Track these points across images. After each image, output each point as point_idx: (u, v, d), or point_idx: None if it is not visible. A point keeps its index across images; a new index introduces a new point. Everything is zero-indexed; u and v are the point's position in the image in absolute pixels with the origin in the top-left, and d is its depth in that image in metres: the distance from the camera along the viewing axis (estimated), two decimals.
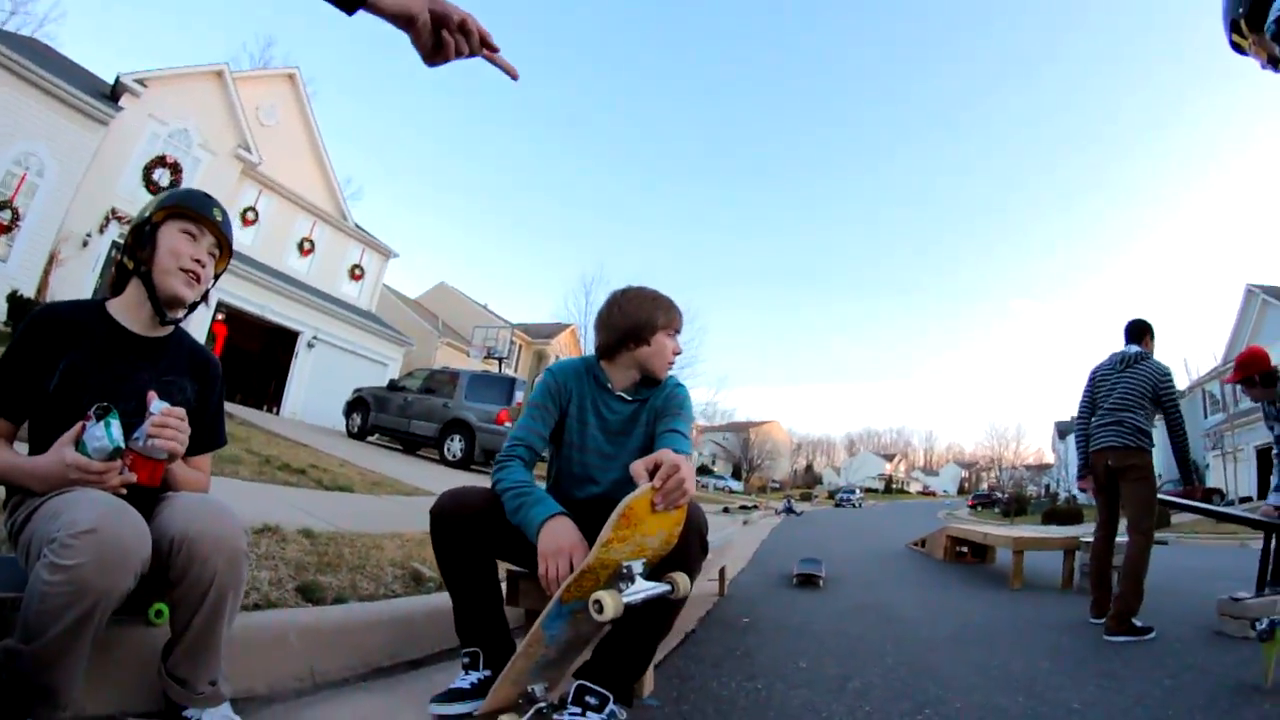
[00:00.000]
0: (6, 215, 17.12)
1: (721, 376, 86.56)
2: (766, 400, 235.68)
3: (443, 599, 3.04)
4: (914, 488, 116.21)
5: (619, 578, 1.99)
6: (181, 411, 1.82)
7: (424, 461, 15.41)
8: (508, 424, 14.92)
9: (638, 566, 2.01)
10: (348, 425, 19.01)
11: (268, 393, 26.28)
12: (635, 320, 2.65)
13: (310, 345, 24.58)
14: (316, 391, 23.83)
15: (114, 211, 19.90)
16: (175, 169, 21.19)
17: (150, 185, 20.61)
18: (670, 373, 2.76)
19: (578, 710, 2.14)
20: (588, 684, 2.18)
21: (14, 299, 15.09)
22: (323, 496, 6.04)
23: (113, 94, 20.27)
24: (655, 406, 2.70)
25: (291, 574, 3.01)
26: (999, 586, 7.29)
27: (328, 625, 2.65)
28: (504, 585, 2.64)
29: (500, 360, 28.39)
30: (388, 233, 68.41)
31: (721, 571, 5.51)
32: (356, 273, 28.35)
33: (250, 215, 24.22)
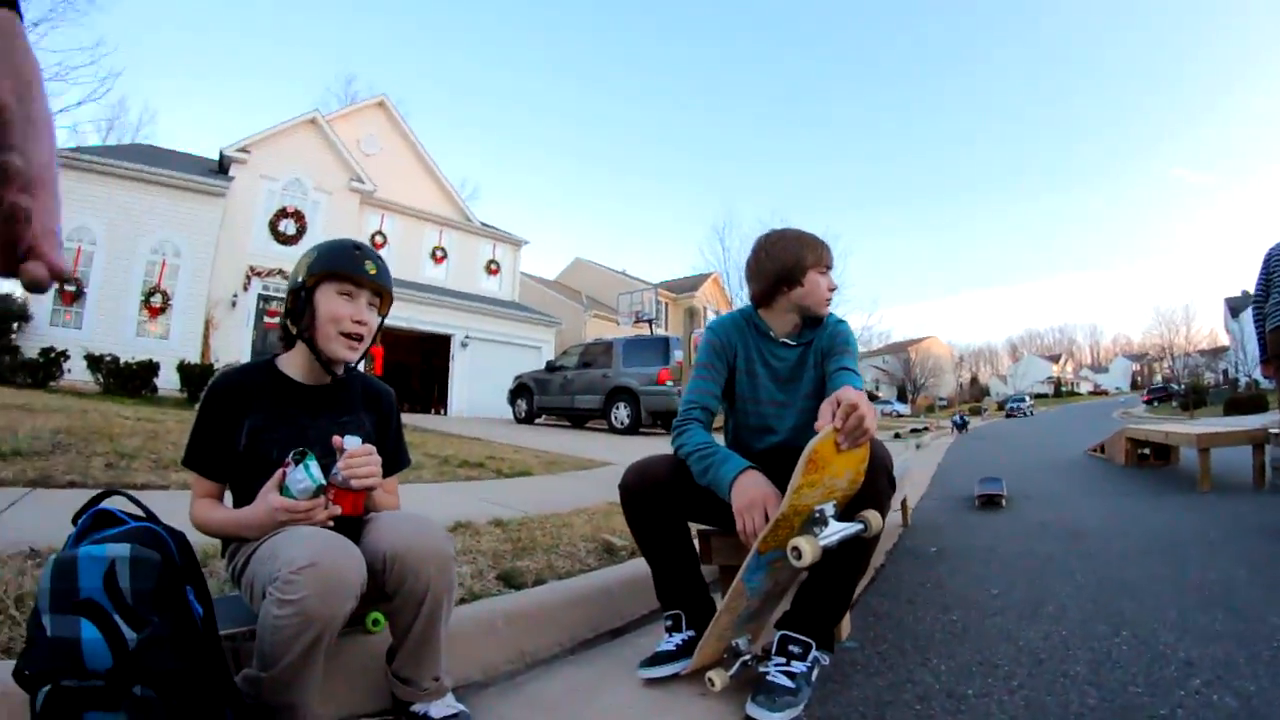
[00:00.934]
0: (158, 299, 19.83)
1: (873, 298, 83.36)
2: (922, 316, 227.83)
3: (637, 566, 3.29)
4: (1084, 388, 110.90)
5: (812, 522, 2.00)
6: (370, 447, 1.94)
7: (593, 433, 15.66)
8: (669, 382, 15.01)
9: (829, 509, 2.02)
10: (514, 412, 19.57)
11: (433, 397, 27.44)
12: (784, 263, 2.63)
13: (464, 344, 25.37)
14: (478, 386, 24.68)
15: (252, 269, 21.88)
16: (298, 216, 22.79)
17: (279, 237, 22.48)
18: (828, 309, 2.72)
19: (782, 660, 2.18)
20: (790, 633, 2.22)
21: (183, 367, 16.56)
22: (505, 485, 6.30)
23: (221, 167, 22.65)
24: (820, 348, 2.67)
25: (490, 564, 3.20)
26: (1187, 490, 6.88)
27: (531, 607, 2.79)
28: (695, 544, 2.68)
29: (650, 322, 28.46)
30: (514, 223, 69.88)
31: (904, 501, 5.43)
32: (493, 268, 28.99)
33: (379, 239, 25.24)
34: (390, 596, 1.87)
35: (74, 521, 1.61)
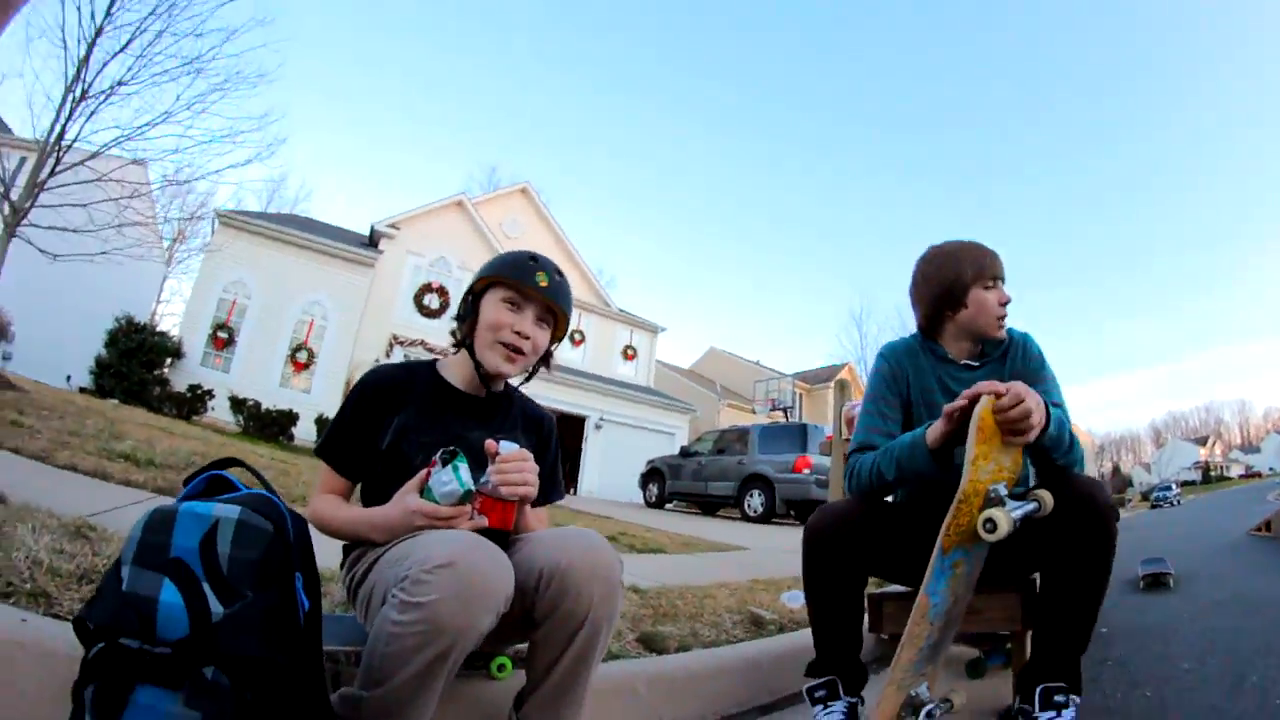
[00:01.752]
0: (304, 355, 21.28)
1: None
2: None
3: (789, 641, 3.11)
4: (1235, 471, 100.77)
5: (990, 504, 1.86)
6: (527, 453, 1.73)
7: (725, 521, 15.36)
8: (806, 471, 14.69)
9: (1002, 489, 1.89)
10: (645, 495, 19.57)
11: (564, 475, 27.31)
12: (942, 283, 2.37)
13: (598, 426, 25.54)
14: (610, 469, 24.73)
15: (395, 337, 22.87)
16: (442, 291, 23.92)
17: (423, 310, 23.68)
18: (1008, 326, 2.40)
19: (1052, 714, 1.96)
20: (1050, 684, 2.00)
21: (320, 421, 17.78)
22: (638, 559, 5.99)
23: (371, 241, 24.22)
24: (1015, 371, 2.36)
25: (629, 626, 2.96)
26: None
27: (674, 674, 2.56)
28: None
29: (786, 410, 28.11)
30: (650, 310, 71.06)
31: None
32: (629, 353, 29.33)
33: None
34: (537, 623, 1.59)
35: (185, 483, 1.40)
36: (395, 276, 23.41)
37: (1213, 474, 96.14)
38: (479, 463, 1.72)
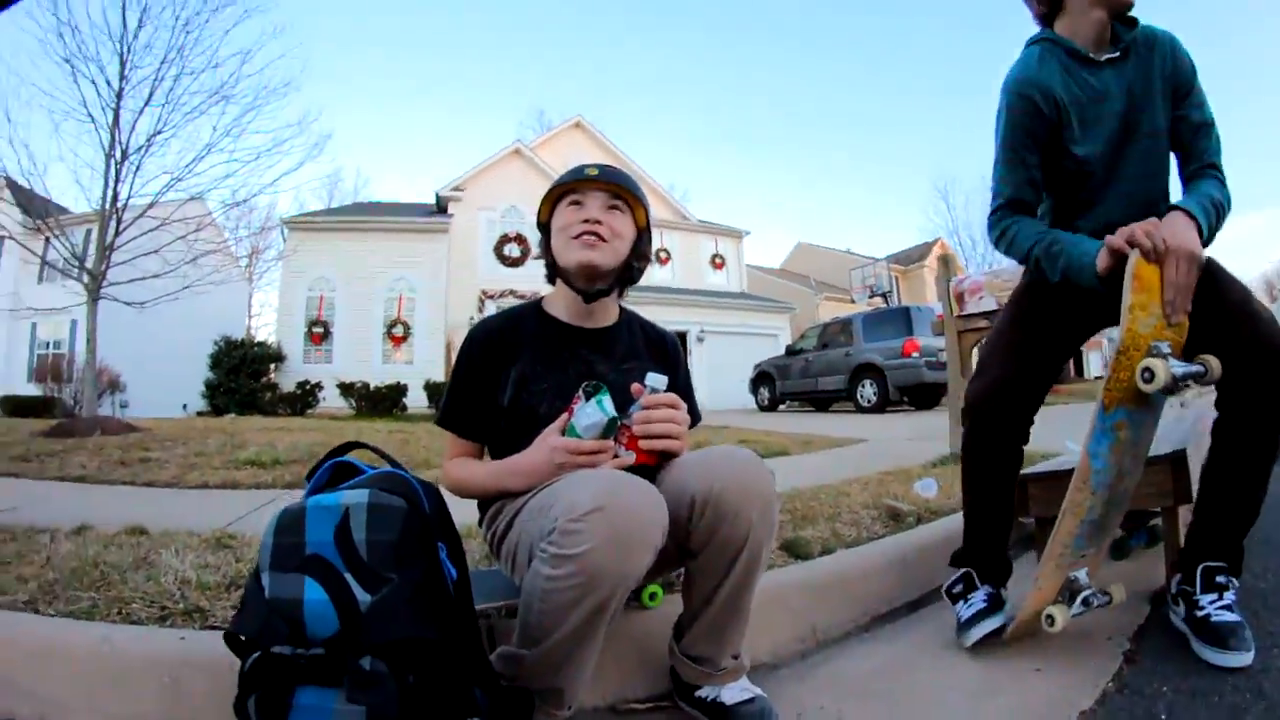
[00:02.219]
0: (399, 329, 22.02)
1: None
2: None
3: (930, 532, 3.02)
4: None
5: (1152, 356, 1.72)
6: (673, 396, 1.68)
7: (839, 415, 15.16)
8: (915, 355, 14.36)
9: (1164, 347, 1.73)
10: (756, 400, 19.49)
11: None
12: None
13: (700, 339, 25.42)
14: (718, 379, 24.45)
15: (484, 292, 23.24)
16: (520, 239, 24.14)
17: (505, 260, 24.05)
18: (1150, 23, 2.02)
19: (1214, 596, 1.86)
20: (1211, 563, 1.90)
21: (429, 386, 18.50)
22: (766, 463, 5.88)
23: (440, 208, 24.71)
24: (1162, 71, 1.97)
25: None
26: None
27: (822, 578, 2.48)
28: None
29: (885, 295, 27.56)
30: (731, 216, 70.02)
31: None
32: (718, 261, 29.02)
33: None
34: (693, 552, 1.54)
35: (308, 478, 1.40)
36: (471, 235, 23.71)
37: None
38: (617, 401, 1.64)
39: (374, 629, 1.12)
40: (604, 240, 1.76)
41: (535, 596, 1.32)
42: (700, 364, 25.21)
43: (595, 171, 1.79)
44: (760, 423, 12.19)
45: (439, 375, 20.28)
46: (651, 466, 1.62)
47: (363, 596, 1.14)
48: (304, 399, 18.05)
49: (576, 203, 1.79)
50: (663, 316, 24.83)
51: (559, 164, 26.16)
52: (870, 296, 28.12)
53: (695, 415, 1.91)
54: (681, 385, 1.93)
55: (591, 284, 1.80)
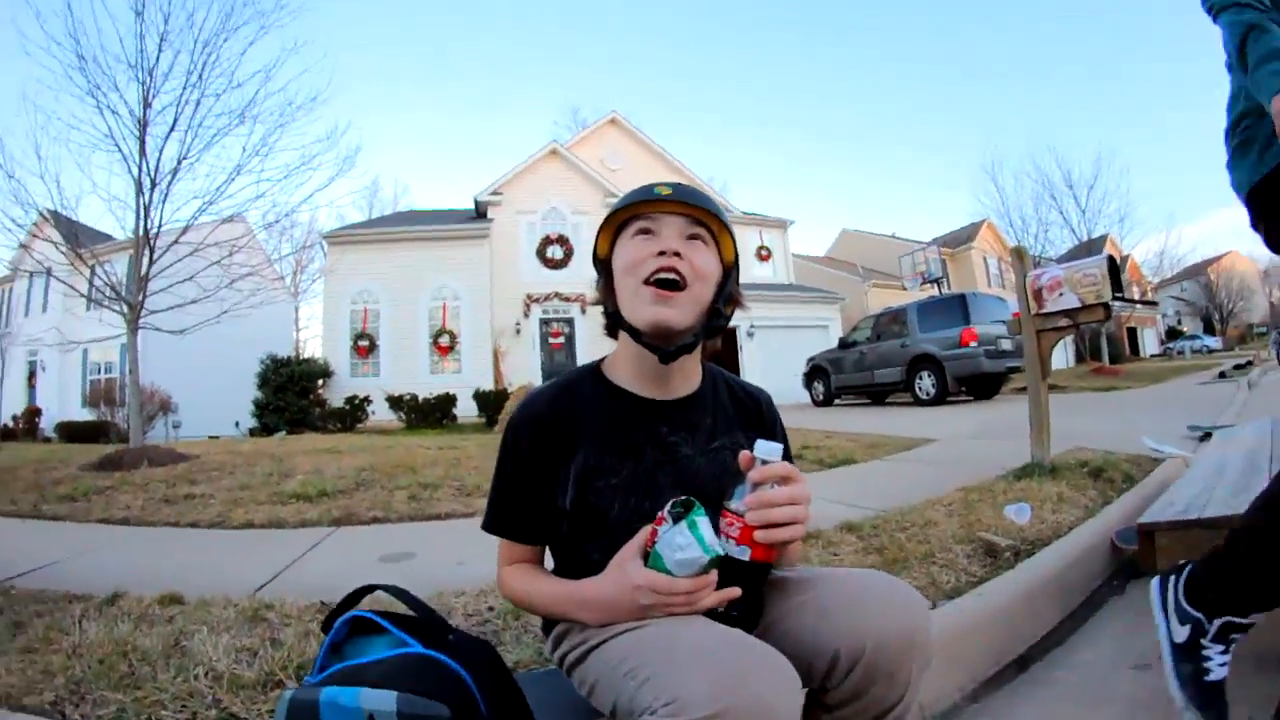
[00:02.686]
0: (445, 338, 22.04)
1: (1168, 214, 69.82)
2: (1216, 228, 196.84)
3: (1031, 572, 2.74)
4: None
5: None
6: (795, 472, 1.22)
7: (898, 409, 14.91)
8: (973, 344, 14.04)
9: None
10: (811, 395, 19.24)
11: None
12: None
13: (750, 335, 25.30)
14: (770, 374, 24.20)
15: (529, 296, 23.53)
16: (562, 241, 24.18)
17: (548, 263, 24.03)
18: None
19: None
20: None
21: (478, 395, 18.35)
22: (832, 477, 5.74)
23: (479, 213, 24.81)
24: None
25: None
26: None
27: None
28: None
29: (938, 281, 27.08)
30: (774, 206, 69.74)
31: None
32: (763, 253, 28.78)
33: None
34: (828, 706, 1.23)
35: (324, 629, 1.18)
36: (512, 239, 23.79)
37: None
38: (703, 493, 1.27)
39: None
40: (683, 283, 1.35)
41: None
42: (752, 359, 25.21)
43: (668, 190, 1.37)
44: (818, 420, 11.92)
45: (488, 383, 20.40)
46: (766, 565, 1.22)
47: None
48: (353, 413, 18.22)
49: (646, 230, 1.38)
50: None
51: (597, 161, 26.35)
52: (922, 283, 27.64)
53: None
54: (783, 449, 1.47)
55: (669, 342, 1.38)
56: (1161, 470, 4.64)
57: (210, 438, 14.09)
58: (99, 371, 23.61)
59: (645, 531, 1.22)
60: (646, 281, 1.34)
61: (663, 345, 1.37)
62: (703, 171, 36.23)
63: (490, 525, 1.45)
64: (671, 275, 1.33)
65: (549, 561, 1.48)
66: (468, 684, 1.04)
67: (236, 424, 20.74)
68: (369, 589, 1.22)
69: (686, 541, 1.14)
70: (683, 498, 1.19)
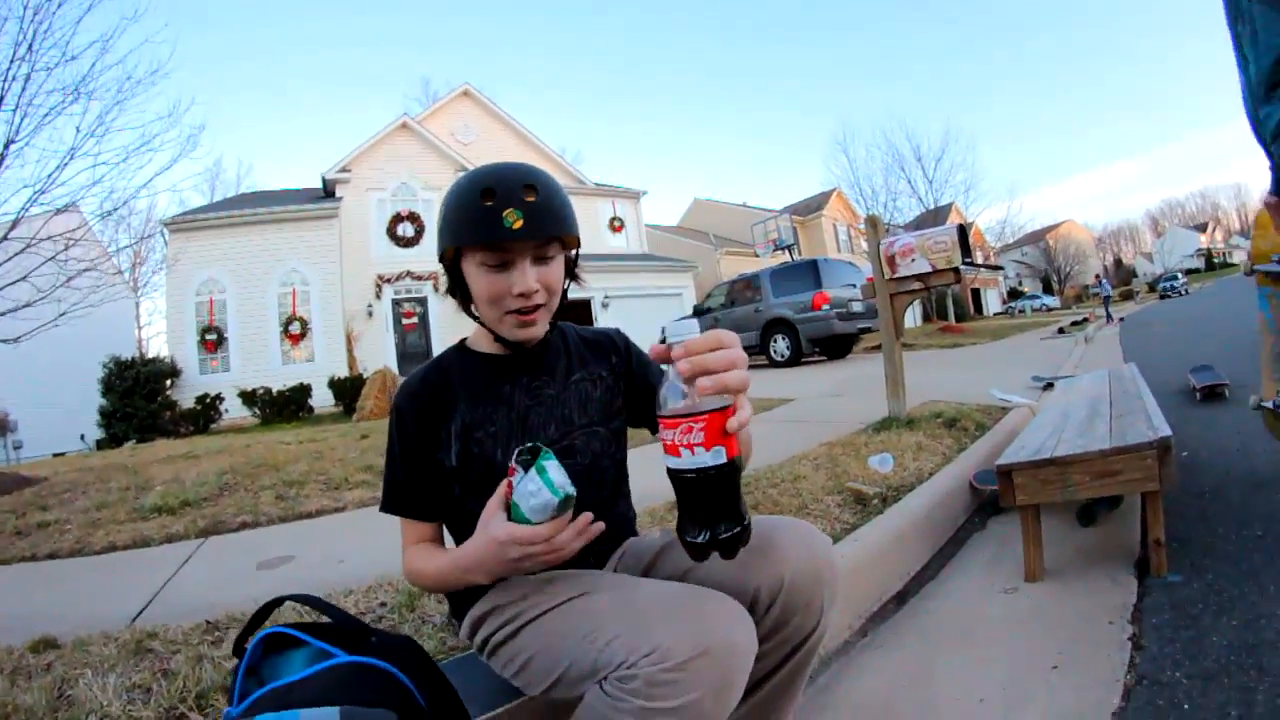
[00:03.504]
0: (296, 326, 21.10)
1: (1010, 185, 74.07)
2: (1054, 201, 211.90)
3: (900, 516, 3.01)
4: (1237, 257, 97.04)
5: None
6: (717, 335, 1.05)
7: (754, 371, 14.63)
8: (825, 307, 14.52)
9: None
10: None
11: None
12: None
13: (604, 305, 25.36)
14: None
15: (380, 277, 22.91)
16: (414, 218, 23.49)
17: (399, 241, 23.38)
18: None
19: None
20: None
21: (334, 383, 17.74)
22: None
23: (327, 192, 23.75)
24: None
25: None
26: None
27: None
28: None
29: (790, 248, 27.81)
30: (626, 177, 70.15)
31: None
32: (616, 224, 28.92)
33: None
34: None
35: (236, 650, 1.13)
36: (362, 218, 22.99)
37: (1215, 260, 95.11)
38: (572, 420, 1.49)
39: None
40: (542, 308, 1.42)
41: None
42: None
43: (519, 224, 1.31)
44: None
45: (343, 370, 19.81)
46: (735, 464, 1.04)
47: None
48: (205, 413, 17.31)
49: (493, 266, 1.37)
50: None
51: (449, 134, 25.80)
52: (774, 250, 28.31)
53: None
54: (645, 363, 1.67)
55: (529, 345, 1.51)
56: (1010, 418, 4.98)
57: (55, 455, 13.06)
58: None
59: (503, 485, 1.23)
60: (509, 313, 1.40)
61: (526, 346, 1.50)
62: (555, 142, 36.04)
63: (387, 505, 1.51)
64: (531, 308, 1.40)
65: (450, 542, 1.52)
66: (404, 684, 1.03)
67: (82, 437, 19.30)
68: (276, 602, 1.17)
69: (536, 487, 1.14)
70: (528, 445, 1.20)
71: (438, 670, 1.08)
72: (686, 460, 0.98)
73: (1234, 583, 2.28)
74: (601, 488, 1.54)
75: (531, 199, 1.32)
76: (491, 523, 1.22)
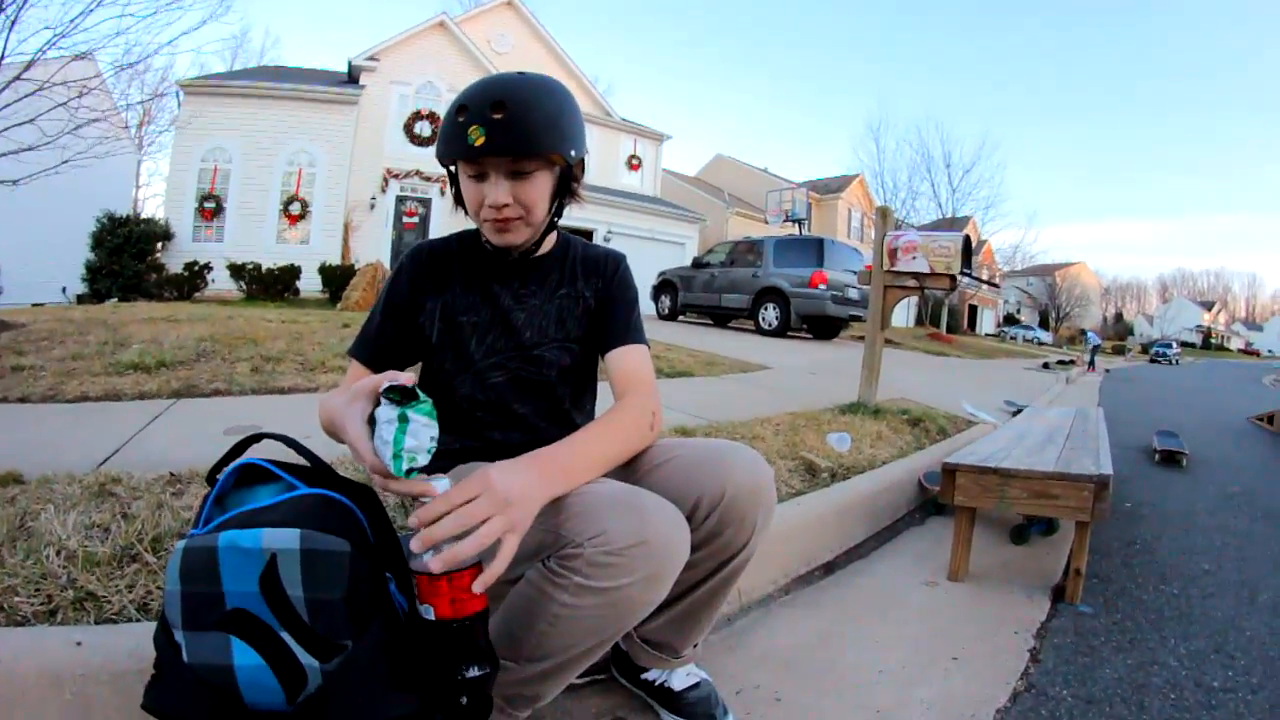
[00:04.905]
0: (297, 207, 20.95)
1: (1030, 213, 72.75)
2: (1072, 239, 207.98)
3: (843, 491, 3.15)
4: (1235, 344, 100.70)
5: None
6: (450, 492, 1.06)
7: (739, 334, 15.31)
8: (821, 287, 14.58)
9: None
10: (657, 308, 19.41)
11: None
12: None
13: (606, 239, 24.96)
14: None
15: (389, 171, 22.44)
16: (433, 118, 22.91)
17: (415, 139, 22.80)
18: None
19: None
20: None
21: (324, 270, 17.72)
22: (667, 384, 5.95)
23: (351, 77, 23.26)
24: None
25: None
26: None
27: None
28: None
29: (800, 222, 27.72)
30: (654, 118, 69.20)
31: None
32: (634, 163, 28.61)
33: None
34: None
35: (209, 479, 1.16)
36: (381, 110, 22.56)
37: (1213, 341, 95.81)
38: (544, 329, 1.60)
39: (342, 709, 0.95)
40: (516, 220, 1.48)
41: (540, 618, 1.20)
42: None
43: (480, 140, 1.36)
44: (661, 333, 11.94)
45: (335, 258, 19.69)
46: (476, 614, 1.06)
47: (308, 661, 0.95)
48: (191, 281, 17.19)
49: (475, 176, 1.46)
50: (570, 211, 24.50)
51: (484, 41, 25.34)
52: (785, 221, 28.22)
53: (636, 336, 1.67)
54: (626, 304, 1.71)
55: (513, 253, 1.58)
56: (972, 432, 5.12)
57: (34, 305, 12.95)
58: None
59: (380, 379, 1.09)
60: (486, 221, 1.49)
61: (509, 254, 1.58)
62: (590, 70, 35.51)
63: (353, 348, 1.62)
64: (503, 219, 1.46)
65: None
66: (361, 521, 1.08)
67: (64, 290, 19.05)
68: (255, 438, 1.20)
69: (389, 435, 1.03)
70: (394, 385, 1.05)
71: (388, 520, 1.12)
72: (426, 611, 1.01)
73: (1139, 627, 2.42)
74: (563, 401, 1.66)
75: (498, 115, 1.35)
76: (351, 409, 1.10)
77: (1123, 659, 2.18)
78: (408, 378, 1.08)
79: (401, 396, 1.04)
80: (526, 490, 1.13)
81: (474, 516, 1.03)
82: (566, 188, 1.55)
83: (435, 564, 0.99)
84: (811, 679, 1.95)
